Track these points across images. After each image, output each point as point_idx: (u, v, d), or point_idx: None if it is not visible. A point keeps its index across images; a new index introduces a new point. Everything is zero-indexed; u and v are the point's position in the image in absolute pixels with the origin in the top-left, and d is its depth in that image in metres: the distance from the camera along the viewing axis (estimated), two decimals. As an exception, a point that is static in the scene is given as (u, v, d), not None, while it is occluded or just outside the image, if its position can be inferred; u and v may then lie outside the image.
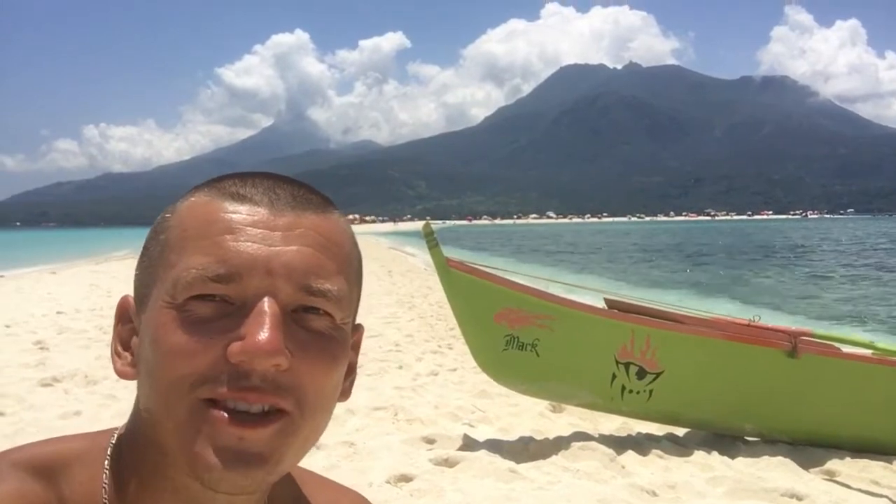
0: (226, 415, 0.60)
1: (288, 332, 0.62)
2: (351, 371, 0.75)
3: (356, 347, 0.76)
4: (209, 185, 0.70)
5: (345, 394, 0.73)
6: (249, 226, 0.64)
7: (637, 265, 32.68)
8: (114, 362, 0.71)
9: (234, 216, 0.65)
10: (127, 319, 0.71)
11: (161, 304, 0.64)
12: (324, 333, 0.65)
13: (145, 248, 0.70)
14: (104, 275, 18.49)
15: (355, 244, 0.73)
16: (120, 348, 0.71)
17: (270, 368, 0.60)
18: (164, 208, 0.72)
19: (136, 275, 0.70)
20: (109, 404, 4.80)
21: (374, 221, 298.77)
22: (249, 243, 0.63)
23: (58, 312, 9.75)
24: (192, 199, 0.69)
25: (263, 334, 0.60)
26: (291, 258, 0.64)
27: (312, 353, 0.64)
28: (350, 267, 0.70)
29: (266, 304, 0.62)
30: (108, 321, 8.98)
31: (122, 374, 0.70)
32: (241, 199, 0.66)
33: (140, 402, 0.67)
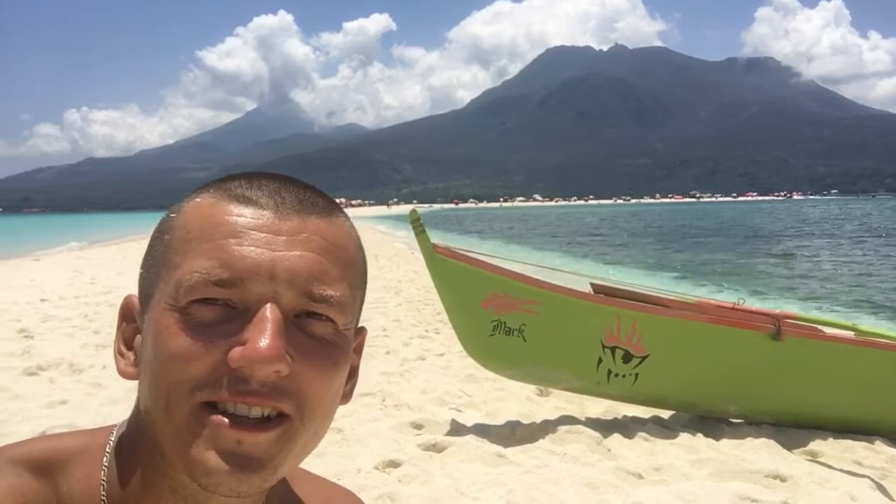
0: (225, 419, 0.60)
1: (289, 338, 0.62)
2: (353, 374, 0.75)
3: (358, 350, 0.76)
4: (215, 185, 0.70)
5: (346, 397, 0.73)
6: (254, 230, 0.64)
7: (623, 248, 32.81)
8: (117, 362, 0.71)
9: (238, 219, 0.65)
10: (131, 319, 0.71)
11: (164, 307, 0.63)
12: (326, 339, 0.65)
13: (150, 246, 0.70)
14: (88, 261, 18.32)
15: (360, 248, 0.73)
16: (123, 348, 0.71)
17: (271, 375, 0.60)
18: (169, 207, 0.72)
19: (141, 273, 0.70)
20: (95, 393, 4.77)
21: (360, 205, 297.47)
22: (253, 248, 0.63)
23: (41, 300, 9.66)
24: (198, 199, 0.68)
25: (264, 341, 0.60)
26: (295, 264, 0.64)
27: (314, 360, 0.64)
28: (354, 271, 0.69)
29: (268, 310, 0.62)
30: (93, 308, 8.91)
31: (124, 374, 0.70)
32: (246, 201, 0.66)
33: (141, 402, 0.67)
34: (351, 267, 0.69)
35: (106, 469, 0.68)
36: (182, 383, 0.61)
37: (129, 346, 0.70)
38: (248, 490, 0.61)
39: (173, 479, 0.66)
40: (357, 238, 0.72)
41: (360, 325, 0.75)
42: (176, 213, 0.69)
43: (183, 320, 0.62)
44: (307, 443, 0.65)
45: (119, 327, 0.72)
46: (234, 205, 0.66)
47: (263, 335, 0.60)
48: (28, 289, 11.08)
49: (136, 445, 0.68)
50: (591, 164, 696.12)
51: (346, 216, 0.72)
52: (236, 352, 0.60)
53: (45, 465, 0.66)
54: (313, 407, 0.64)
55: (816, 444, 4.26)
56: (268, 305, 0.62)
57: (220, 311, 0.62)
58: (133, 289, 0.72)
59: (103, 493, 0.67)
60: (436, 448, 3.85)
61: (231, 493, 0.61)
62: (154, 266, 0.67)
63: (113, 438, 0.70)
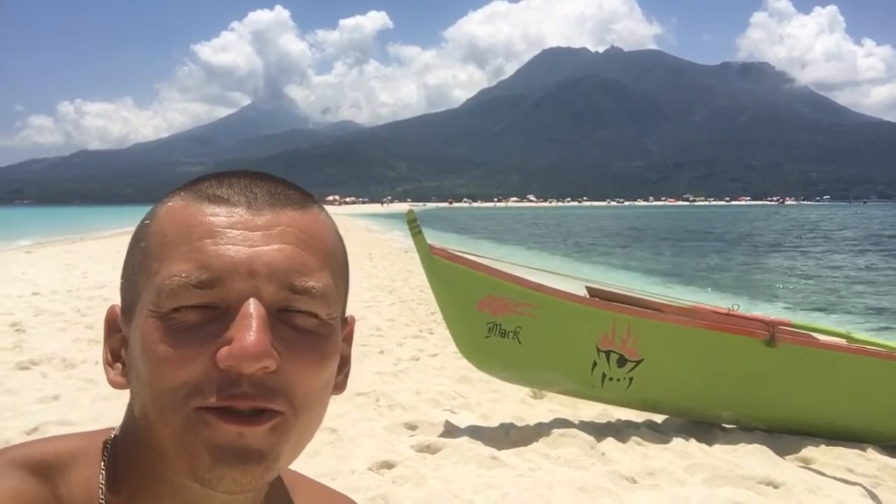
0: (220, 415, 0.60)
1: (275, 333, 0.62)
2: (345, 363, 0.74)
3: (348, 339, 0.75)
4: (186, 188, 0.70)
5: (339, 387, 0.73)
6: (228, 228, 0.64)
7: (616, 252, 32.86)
8: (106, 372, 0.71)
9: (212, 219, 0.64)
10: (116, 329, 0.71)
11: (147, 314, 0.63)
12: (311, 331, 0.65)
13: (128, 255, 0.69)
14: (80, 255, 18.25)
15: (338, 237, 0.72)
16: (111, 358, 0.71)
17: (259, 371, 0.60)
18: (146, 213, 0.71)
19: (122, 283, 0.70)
20: (88, 388, 4.75)
21: (354, 202, 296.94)
22: (230, 246, 0.63)
23: (33, 293, 9.61)
24: (170, 203, 0.68)
25: (250, 337, 0.59)
26: (273, 257, 0.63)
27: (301, 352, 0.63)
28: (333, 261, 0.69)
29: (251, 306, 0.61)
30: (85, 303, 8.87)
31: (115, 384, 0.70)
32: (218, 200, 0.66)
33: (135, 409, 0.66)
34: (330, 256, 0.68)
35: (104, 472, 0.68)
36: (174, 390, 0.60)
37: (117, 357, 0.70)
38: (250, 482, 0.61)
39: (172, 482, 0.65)
40: (334, 227, 0.72)
41: (346, 314, 0.75)
42: (150, 218, 0.68)
43: (167, 326, 0.61)
44: (301, 435, 0.65)
45: (105, 338, 0.72)
46: (206, 205, 0.66)
47: (248, 332, 0.59)
48: (20, 282, 11.03)
49: (132, 449, 0.68)
50: (586, 165, 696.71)
51: (320, 206, 0.71)
52: (223, 351, 0.60)
53: (44, 467, 0.66)
54: (304, 400, 0.63)
55: (809, 451, 4.27)
56: (250, 301, 0.61)
57: (204, 312, 0.62)
58: None
59: (102, 495, 0.67)
60: (430, 449, 3.85)
61: (234, 487, 0.61)
62: (134, 274, 0.67)
63: (111, 441, 0.70)
